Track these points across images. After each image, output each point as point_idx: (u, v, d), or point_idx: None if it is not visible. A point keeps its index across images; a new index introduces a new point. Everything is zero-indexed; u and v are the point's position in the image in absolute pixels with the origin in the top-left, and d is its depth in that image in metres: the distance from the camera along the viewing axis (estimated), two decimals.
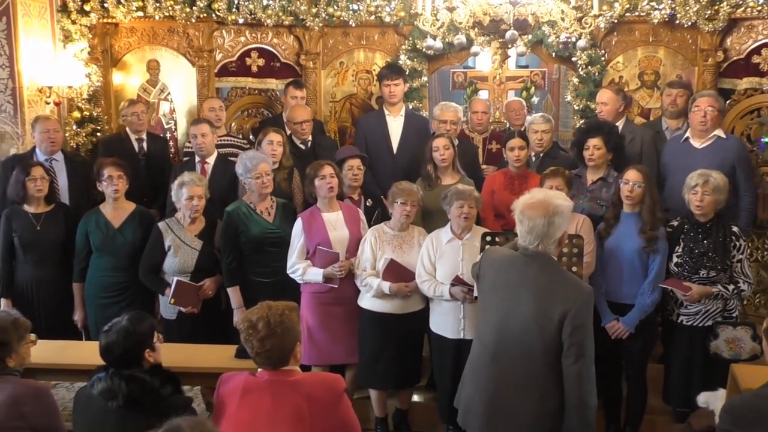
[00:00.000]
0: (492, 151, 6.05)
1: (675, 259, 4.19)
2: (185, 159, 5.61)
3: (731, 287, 4.12)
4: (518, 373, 2.94)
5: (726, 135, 4.96)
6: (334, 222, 4.54)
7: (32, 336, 3.13)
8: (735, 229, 4.18)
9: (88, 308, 4.77)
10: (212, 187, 4.75)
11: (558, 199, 2.99)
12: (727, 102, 5.74)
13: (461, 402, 3.22)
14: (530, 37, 5.84)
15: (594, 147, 4.59)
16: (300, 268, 4.44)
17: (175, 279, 4.41)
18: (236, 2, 6.09)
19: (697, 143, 4.86)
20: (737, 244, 4.13)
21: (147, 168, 5.63)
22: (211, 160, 5.25)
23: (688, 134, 4.92)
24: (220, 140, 5.63)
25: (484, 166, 5.81)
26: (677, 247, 4.20)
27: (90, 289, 4.74)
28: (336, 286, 4.43)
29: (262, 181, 4.53)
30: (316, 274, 4.41)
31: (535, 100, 8.95)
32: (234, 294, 4.52)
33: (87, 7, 6.01)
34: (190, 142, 5.50)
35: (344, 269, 4.41)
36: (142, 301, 4.58)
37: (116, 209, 4.74)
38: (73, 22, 5.99)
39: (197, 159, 5.25)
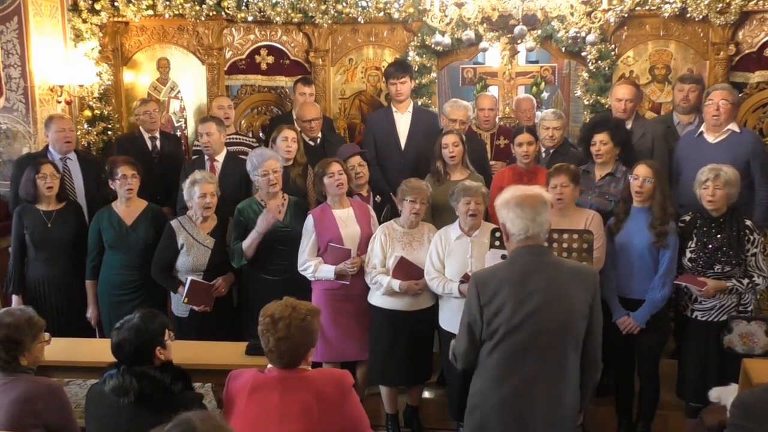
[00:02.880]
0: (500, 146, 6.04)
1: (688, 255, 4.17)
2: (195, 157, 5.63)
3: (746, 281, 4.09)
4: (552, 374, 2.87)
5: (740, 129, 4.90)
6: (345, 219, 4.54)
7: (46, 335, 3.15)
8: (748, 222, 4.15)
9: (102, 305, 4.80)
10: (222, 186, 4.77)
11: (538, 189, 3.02)
12: (740, 96, 5.71)
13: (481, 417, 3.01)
14: (539, 32, 5.85)
15: (600, 142, 4.58)
16: (311, 266, 4.45)
17: (189, 278, 4.42)
18: (245, 0, 6.11)
19: (710, 138, 4.82)
20: (751, 237, 4.10)
21: (160, 166, 5.65)
22: (221, 158, 5.26)
23: (702, 129, 4.87)
24: (229, 138, 5.64)
25: (492, 162, 5.80)
26: (690, 243, 4.17)
27: (103, 286, 4.78)
28: (347, 283, 4.43)
29: (269, 179, 4.53)
30: (327, 272, 4.42)
31: (545, 95, 8.93)
32: (247, 242, 4.48)
33: (98, 6, 6.07)
34: (199, 140, 5.52)
35: (356, 266, 4.41)
36: (155, 298, 4.62)
37: (129, 207, 4.78)
38: (84, 21, 6.04)
39: (206, 157, 5.26)
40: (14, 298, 4.82)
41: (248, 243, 4.48)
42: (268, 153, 4.65)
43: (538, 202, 2.89)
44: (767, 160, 4.92)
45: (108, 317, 4.68)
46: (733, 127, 4.82)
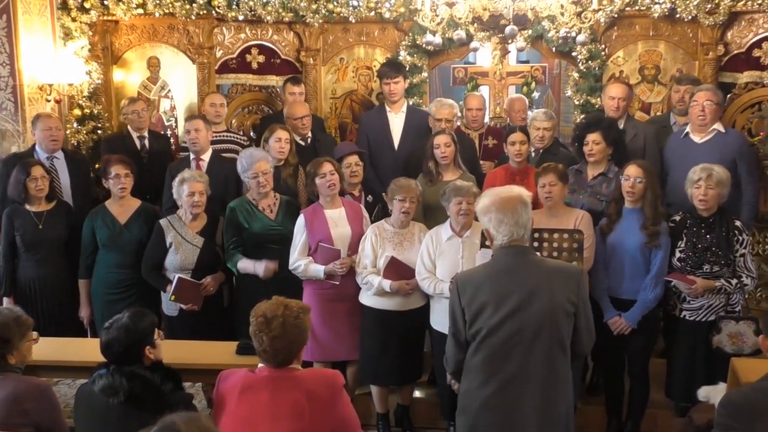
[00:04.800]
0: (488, 146, 6.02)
1: (678, 254, 4.18)
2: (182, 156, 5.59)
3: (734, 281, 4.10)
4: (538, 373, 2.88)
5: (725, 129, 4.93)
6: (337, 219, 4.54)
7: (34, 334, 3.14)
8: (738, 223, 4.17)
9: (95, 304, 4.79)
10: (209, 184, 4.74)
11: (516, 189, 3.05)
12: (728, 96, 5.75)
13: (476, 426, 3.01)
14: (530, 32, 5.85)
15: (593, 142, 4.59)
16: (302, 265, 4.44)
17: (177, 276, 4.42)
18: None
19: (696, 138, 4.85)
20: (740, 238, 4.12)
21: (149, 166, 5.62)
22: (206, 157, 5.22)
23: (688, 129, 4.92)
24: (220, 136, 5.63)
25: (480, 162, 5.79)
26: (680, 242, 4.19)
27: (97, 285, 4.77)
28: (337, 283, 4.43)
29: (258, 181, 4.52)
30: (317, 271, 4.41)
31: (535, 95, 8.96)
32: (244, 262, 4.50)
33: (87, 5, 6.03)
34: (186, 137, 5.50)
35: (345, 266, 4.41)
36: (147, 297, 4.59)
37: (122, 206, 4.77)
38: (74, 20, 6.01)
39: (192, 156, 5.22)
40: (5, 300, 4.78)
41: (243, 268, 4.51)
42: (258, 154, 4.63)
43: (518, 204, 2.90)
44: (753, 160, 4.97)
45: (101, 316, 4.65)
46: (719, 127, 4.85)
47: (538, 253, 3.54)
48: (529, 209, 2.95)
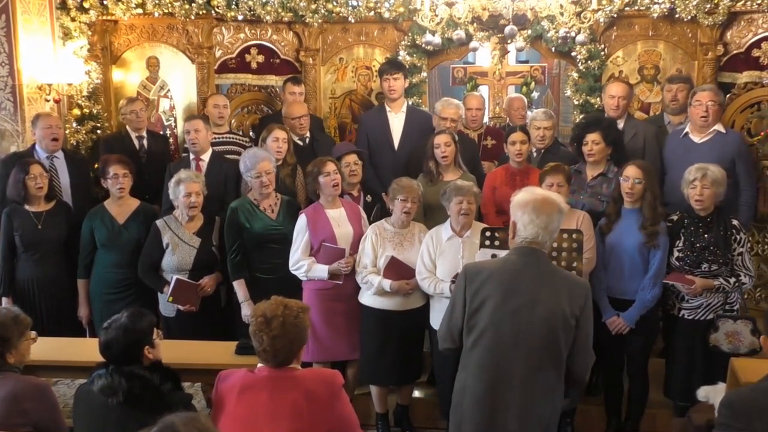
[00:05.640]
0: (487, 147, 6.02)
1: (676, 254, 4.19)
2: (183, 155, 5.60)
3: (732, 280, 4.11)
4: (526, 376, 2.87)
5: (725, 129, 4.94)
6: (338, 218, 4.54)
7: (33, 333, 3.14)
8: (735, 222, 4.18)
9: (94, 304, 4.80)
10: (208, 185, 4.73)
11: (556, 196, 3.05)
12: (727, 96, 5.74)
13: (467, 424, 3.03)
14: (529, 32, 5.85)
15: (592, 142, 4.59)
16: (304, 265, 4.44)
17: (174, 277, 4.41)
18: None
19: (696, 138, 4.85)
20: (738, 237, 4.13)
21: (148, 166, 5.61)
22: (206, 157, 5.21)
23: (687, 129, 4.92)
24: (223, 137, 5.63)
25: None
26: (678, 242, 4.20)
27: (96, 285, 4.77)
28: (340, 283, 4.43)
29: (261, 181, 4.52)
30: (321, 271, 4.41)
31: (535, 95, 8.96)
32: (239, 287, 4.53)
33: (86, 5, 6.02)
34: (185, 137, 5.50)
35: (350, 265, 4.41)
36: (146, 297, 4.59)
37: (121, 206, 4.78)
38: (73, 20, 6.00)
39: (192, 157, 5.22)
40: (4, 300, 4.78)
41: (236, 288, 4.56)
42: (262, 154, 4.63)
43: (554, 210, 2.90)
44: (751, 161, 4.97)
45: (100, 316, 4.65)
46: (719, 127, 4.85)
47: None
48: (562, 220, 2.95)
